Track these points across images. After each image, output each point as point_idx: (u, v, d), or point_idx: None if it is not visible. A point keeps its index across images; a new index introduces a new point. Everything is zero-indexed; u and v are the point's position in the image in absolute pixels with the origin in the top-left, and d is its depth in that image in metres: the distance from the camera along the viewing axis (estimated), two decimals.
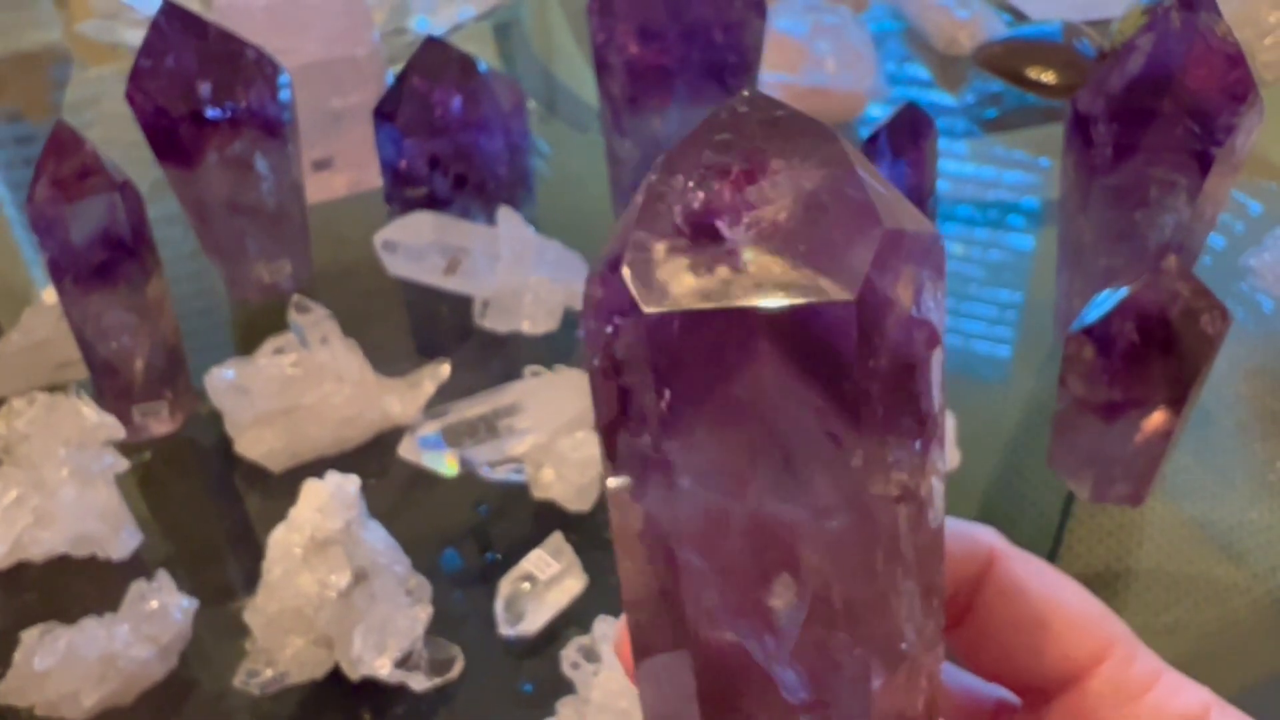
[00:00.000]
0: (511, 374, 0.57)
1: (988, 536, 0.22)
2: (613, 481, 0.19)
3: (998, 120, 0.83)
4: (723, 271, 0.17)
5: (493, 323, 0.63)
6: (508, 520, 0.54)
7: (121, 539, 0.51)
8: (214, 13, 0.69)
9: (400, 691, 0.46)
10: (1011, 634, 0.22)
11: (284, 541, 0.45)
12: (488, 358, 0.62)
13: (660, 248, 0.17)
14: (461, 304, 0.64)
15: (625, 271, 0.17)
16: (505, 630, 0.48)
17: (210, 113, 0.58)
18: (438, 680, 0.46)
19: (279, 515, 0.46)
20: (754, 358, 0.17)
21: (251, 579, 0.47)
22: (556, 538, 0.50)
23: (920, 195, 0.62)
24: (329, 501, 0.45)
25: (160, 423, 0.57)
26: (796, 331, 0.16)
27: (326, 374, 0.56)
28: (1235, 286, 0.65)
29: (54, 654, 0.44)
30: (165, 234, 0.60)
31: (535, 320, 0.63)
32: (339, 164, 0.75)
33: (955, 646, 0.23)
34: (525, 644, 0.48)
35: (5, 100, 0.92)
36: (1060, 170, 0.57)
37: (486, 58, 0.68)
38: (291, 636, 0.45)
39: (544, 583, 0.49)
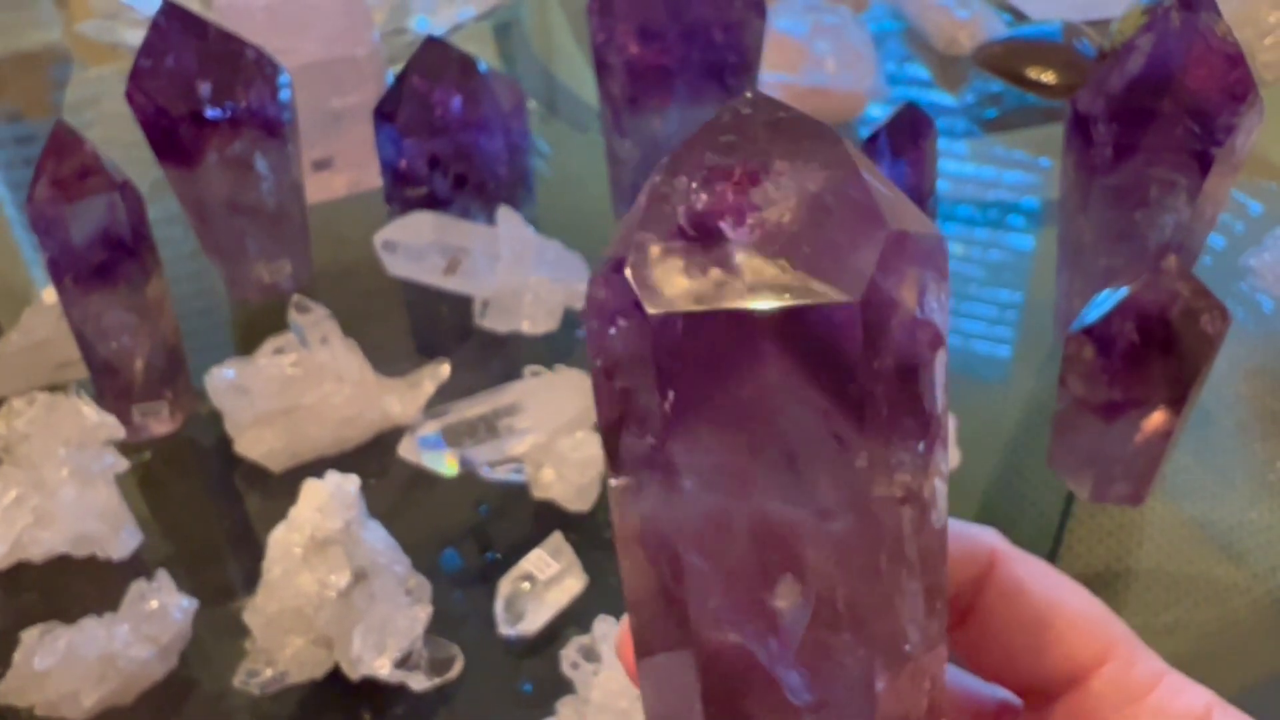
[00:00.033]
0: (511, 374, 0.57)
1: (989, 537, 0.22)
2: (615, 482, 0.19)
3: (998, 120, 0.83)
4: (727, 273, 0.17)
5: (493, 323, 0.63)
6: (508, 520, 0.54)
7: (121, 539, 0.51)
8: (214, 13, 0.69)
9: (400, 691, 0.46)
10: (1013, 635, 0.22)
11: (284, 541, 0.45)
12: (488, 358, 0.62)
13: (664, 249, 0.17)
14: (461, 304, 0.64)
15: (629, 272, 0.17)
16: (505, 630, 0.48)
17: (210, 113, 0.58)
18: (437, 680, 0.46)
19: (279, 515, 0.46)
20: (758, 359, 0.17)
21: (251, 579, 0.47)
22: (556, 538, 0.51)
23: (920, 195, 0.62)
24: (329, 501, 0.45)
25: (160, 423, 0.57)
26: (801, 333, 0.16)
27: (326, 374, 0.56)
28: (1235, 286, 0.65)
29: (54, 654, 0.44)
30: (165, 234, 0.60)
31: (535, 320, 0.63)
32: (339, 164, 0.75)
33: (957, 648, 0.23)
34: (525, 644, 0.48)
35: (5, 100, 0.92)
36: (1060, 170, 0.57)
37: (486, 58, 0.68)
38: (291, 636, 0.45)
39: (544, 582, 0.49)
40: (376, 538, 0.47)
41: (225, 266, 0.64)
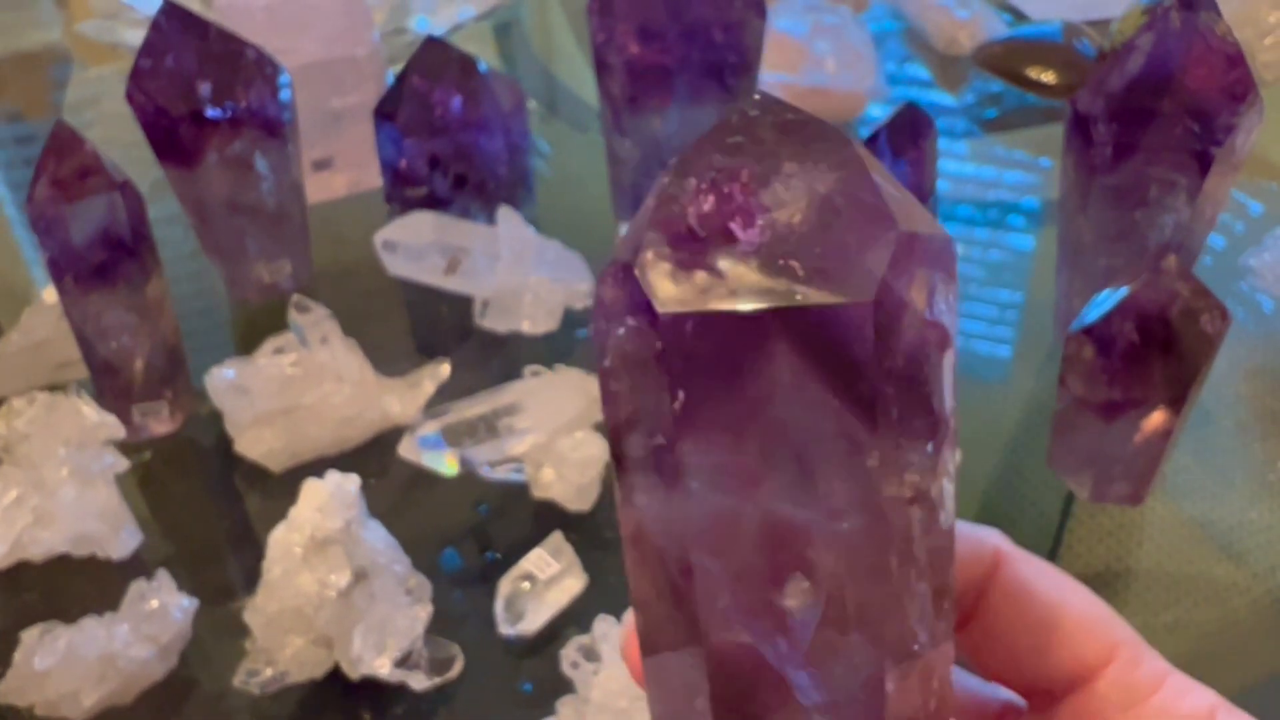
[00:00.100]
0: (511, 374, 0.57)
1: (993, 538, 0.22)
2: (623, 482, 0.19)
3: (998, 120, 0.83)
4: (737, 273, 0.17)
5: (493, 323, 0.63)
6: (508, 520, 0.54)
7: (121, 539, 0.51)
8: (214, 13, 0.69)
9: (400, 691, 0.45)
10: (1017, 636, 0.22)
11: (284, 541, 0.45)
12: (488, 358, 0.62)
13: (674, 250, 0.17)
14: (461, 304, 0.64)
15: (638, 273, 0.17)
16: (505, 630, 0.48)
17: (210, 113, 0.58)
18: (437, 680, 0.46)
19: (279, 515, 0.46)
20: (769, 359, 0.17)
21: (251, 579, 0.47)
22: (556, 537, 0.51)
23: (920, 195, 0.62)
24: (329, 501, 0.45)
25: (160, 422, 0.57)
26: (812, 333, 0.16)
27: (326, 374, 0.56)
28: (1235, 286, 0.65)
29: (54, 653, 0.44)
30: (165, 234, 0.60)
31: (535, 320, 0.63)
32: (339, 164, 0.75)
33: (961, 648, 0.23)
34: (525, 643, 0.48)
35: (5, 100, 0.92)
36: (1060, 170, 0.57)
37: (486, 58, 0.68)
38: (291, 636, 0.45)
39: (544, 582, 0.49)
40: (376, 537, 0.47)
41: (225, 266, 0.64)
